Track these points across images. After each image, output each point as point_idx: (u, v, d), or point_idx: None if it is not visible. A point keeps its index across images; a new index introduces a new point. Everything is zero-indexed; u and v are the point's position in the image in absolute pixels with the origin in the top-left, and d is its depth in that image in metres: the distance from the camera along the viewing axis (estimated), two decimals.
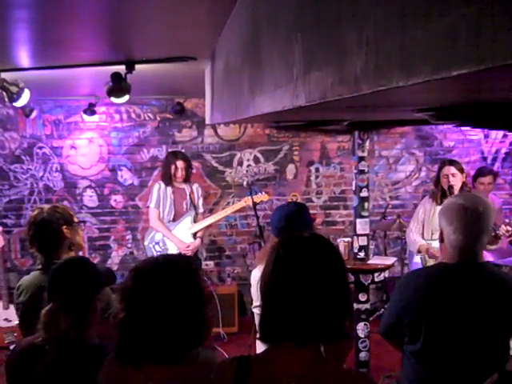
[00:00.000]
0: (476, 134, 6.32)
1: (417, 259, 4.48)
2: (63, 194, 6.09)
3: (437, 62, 0.81)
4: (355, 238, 4.20)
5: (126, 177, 6.15)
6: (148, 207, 5.18)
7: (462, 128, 6.08)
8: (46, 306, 1.95)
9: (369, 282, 4.02)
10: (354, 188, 4.31)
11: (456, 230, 2.15)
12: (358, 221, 4.23)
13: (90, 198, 6.13)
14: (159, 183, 5.10)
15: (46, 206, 2.69)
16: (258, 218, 4.82)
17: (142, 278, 1.68)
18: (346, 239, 4.23)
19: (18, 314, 2.59)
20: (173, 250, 4.96)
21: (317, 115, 3.16)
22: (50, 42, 3.23)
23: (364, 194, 4.24)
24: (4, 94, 3.81)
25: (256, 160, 6.25)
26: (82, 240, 2.79)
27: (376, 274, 4.02)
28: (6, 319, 4.89)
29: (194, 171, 5.44)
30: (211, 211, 5.88)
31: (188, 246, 4.99)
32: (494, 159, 6.45)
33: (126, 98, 4.17)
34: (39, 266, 2.63)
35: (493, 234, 4.00)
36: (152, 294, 1.64)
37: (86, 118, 5.87)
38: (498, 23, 0.65)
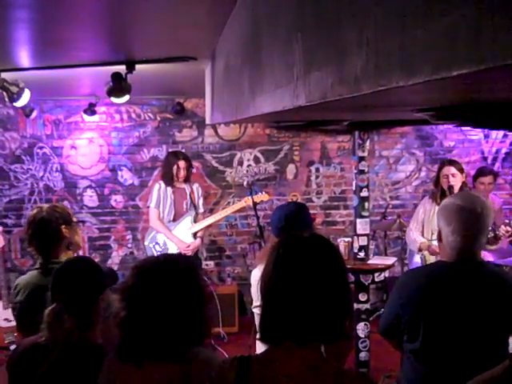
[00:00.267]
0: (476, 133, 6.32)
1: (417, 259, 4.48)
2: (63, 194, 6.09)
3: (437, 62, 0.81)
4: (355, 237, 4.20)
5: (126, 177, 6.15)
6: (148, 207, 5.18)
7: (462, 128, 6.08)
8: (49, 305, 1.95)
9: (369, 281, 4.02)
10: (354, 188, 4.31)
11: (454, 231, 2.16)
12: (358, 221, 4.23)
13: (90, 198, 6.14)
14: (159, 183, 5.10)
15: (45, 206, 2.70)
16: (258, 217, 4.82)
17: (142, 277, 1.68)
18: (346, 239, 4.23)
19: (14, 313, 2.60)
20: (173, 249, 4.97)
21: (317, 115, 3.16)
22: (50, 41, 3.23)
23: (364, 193, 4.24)
24: (4, 93, 3.82)
25: (256, 160, 6.25)
26: (80, 240, 2.79)
27: (376, 274, 4.02)
28: (6, 319, 4.89)
29: (194, 171, 5.45)
30: (211, 211, 5.88)
31: (188, 246, 4.99)
32: (495, 159, 6.45)
33: (127, 97, 4.17)
34: (37, 266, 2.64)
35: (492, 234, 4.01)
36: (153, 292, 1.64)
37: (87, 117, 5.87)
38: (498, 23, 0.65)
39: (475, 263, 2.23)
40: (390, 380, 4.21)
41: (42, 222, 2.58)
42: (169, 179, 5.02)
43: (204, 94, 4.78)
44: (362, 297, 4.07)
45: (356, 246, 4.18)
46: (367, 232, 4.24)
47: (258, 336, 1.56)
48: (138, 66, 3.75)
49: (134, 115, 6.09)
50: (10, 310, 4.81)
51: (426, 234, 4.37)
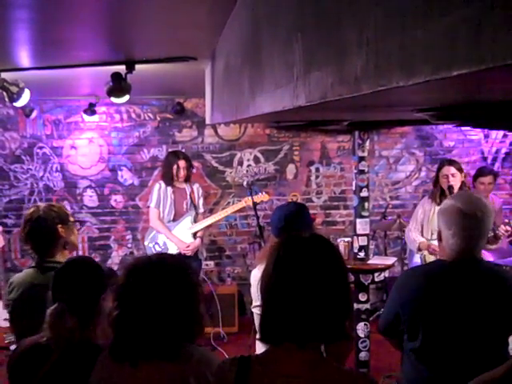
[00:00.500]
0: (476, 134, 6.32)
1: (416, 259, 4.48)
2: (63, 194, 6.09)
3: (437, 62, 0.81)
4: (355, 237, 4.20)
5: (126, 177, 6.15)
6: (148, 207, 5.18)
7: (462, 128, 6.08)
8: (50, 305, 1.95)
9: (369, 281, 4.02)
10: (354, 188, 4.31)
11: (454, 234, 2.16)
12: (358, 221, 4.23)
13: (90, 198, 6.14)
14: (160, 183, 5.10)
15: (42, 205, 2.71)
16: (258, 217, 4.81)
17: (134, 277, 1.69)
18: (346, 239, 4.23)
19: (8, 310, 2.60)
20: (173, 249, 4.96)
21: (317, 115, 3.16)
22: (50, 41, 3.23)
23: (364, 193, 4.24)
24: (4, 93, 3.82)
25: (256, 160, 6.25)
26: (77, 240, 2.79)
27: (376, 274, 4.02)
28: (6, 319, 4.89)
29: (194, 171, 5.44)
30: (211, 211, 5.88)
31: (188, 246, 4.99)
32: (494, 159, 6.45)
33: (126, 97, 4.17)
34: (33, 264, 2.64)
35: (492, 234, 4.01)
36: (144, 291, 1.65)
37: (86, 117, 5.87)
38: (498, 23, 0.65)
39: (475, 262, 2.23)
40: (390, 380, 4.21)
41: (38, 220, 2.59)
42: (169, 179, 5.02)
43: (204, 94, 4.78)
44: (362, 297, 4.07)
45: (356, 245, 4.18)
46: (367, 232, 4.24)
47: (257, 336, 1.56)
48: (137, 66, 3.75)
49: (133, 115, 6.09)
50: None
51: (426, 233, 4.37)
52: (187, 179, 5.08)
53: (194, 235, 5.09)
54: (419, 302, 2.21)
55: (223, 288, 5.85)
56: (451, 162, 4.36)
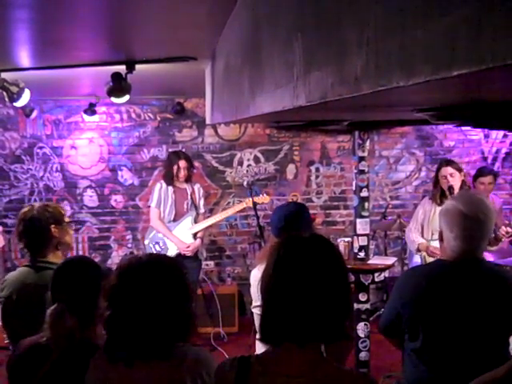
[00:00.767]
0: (476, 133, 6.32)
1: (417, 259, 4.48)
2: (63, 194, 6.09)
3: (437, 62, 0.81)
4: (355, 237, 4.20)
5: (126, 177, 6.15)
6: (149, 207, 5.18)
7: (462, 128, 6.08)
8: (49, 305, 1.95)
9: (369, 281, 4.01)
10: (354, 188, 4.31)
11: (456, 237, 2.16)
12: (358, 221, 4.23)
13: (90, 198, 6.13)
14: (160, 183, 5.10)
15: (37, 204, 2.72)
16: (258, 218, 4.81)
17: (125, 277, 1.69)
18: (346, 239, 4.23)
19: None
20: (173, 249, 4.97)
21: (317, 115, 3.16)
22: (50, 41, 3.23)
23: (364, 193, 4.23)
24: (4, 93, 3.82)
25: (256, 160, 6.25)
26: (71, 240, 2.80)
27: (376, 274, 4.02)
28: None
29: (195, 171, 5.44)
30: (211, 211, 5.88)
31: (188, 247, 4.99)
32: (495, 159, 6.45)
33: (127, 97, 4.17)
34: (27, 263, 2.65)
35: (493, 235, 4.00)
36: (136, 291, 1.66)
37: (87, 117, 5.87)
38: (498, 23, 0.65)
39: (475, 262, 2.23)
40: (390, 380, 4.21)
41: (31, 220, 2.60)
42: (170, 179, 5.02)
43: (204, 94, 4.78)
44: (362, 297, 4.06)
45: (356, 245, 4.18)
46: (367, 232, 4.24)
47: (257, 336, 1.56)
48: (138, 66, 3.75)
49: (134, 115, 6.09)
50: None
51: (426, 234, 4.36)
52: (188, 179, 5.08)
53: (195, 235, 5.09)
54: (420, 302, 2.21)
55: (223, 288, 5.85)
56: (449, 162, 4.36)
